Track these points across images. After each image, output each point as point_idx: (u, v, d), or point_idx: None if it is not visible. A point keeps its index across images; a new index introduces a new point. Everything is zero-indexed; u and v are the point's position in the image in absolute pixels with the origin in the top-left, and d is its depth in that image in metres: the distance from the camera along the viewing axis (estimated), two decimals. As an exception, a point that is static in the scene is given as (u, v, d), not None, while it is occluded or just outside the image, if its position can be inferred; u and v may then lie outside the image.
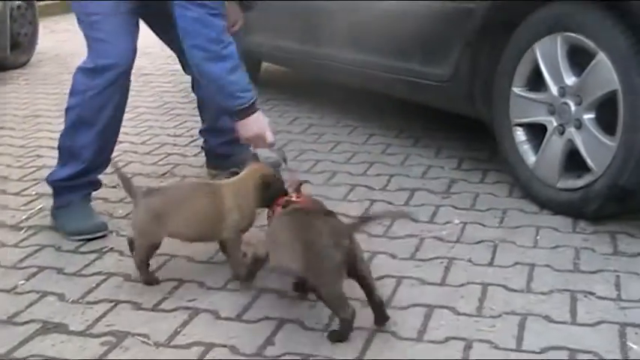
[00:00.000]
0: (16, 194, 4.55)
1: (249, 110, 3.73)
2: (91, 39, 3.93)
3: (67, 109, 4.00)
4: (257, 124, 3.77)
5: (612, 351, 2.77)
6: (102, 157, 4.04)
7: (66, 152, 4.06)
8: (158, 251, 3.55)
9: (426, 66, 4.70)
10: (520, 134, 4.15)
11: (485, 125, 4.45)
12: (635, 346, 2.79)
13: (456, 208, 4.00)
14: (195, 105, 6.20)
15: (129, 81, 4.00)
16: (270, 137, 3.79)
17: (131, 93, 4.04)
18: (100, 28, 3.88)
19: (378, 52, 5.11)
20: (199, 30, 3.64)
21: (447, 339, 2.84)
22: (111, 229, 3.94)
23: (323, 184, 4.41)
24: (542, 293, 3.15)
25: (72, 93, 3.97)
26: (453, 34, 4.44)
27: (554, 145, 3.93)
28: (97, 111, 3.93)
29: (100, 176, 4.20)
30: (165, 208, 3.30)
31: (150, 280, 3.36)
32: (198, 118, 5.78)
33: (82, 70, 3.95)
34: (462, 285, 3.21)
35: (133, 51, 3.94)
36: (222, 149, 4.71)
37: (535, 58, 4.01)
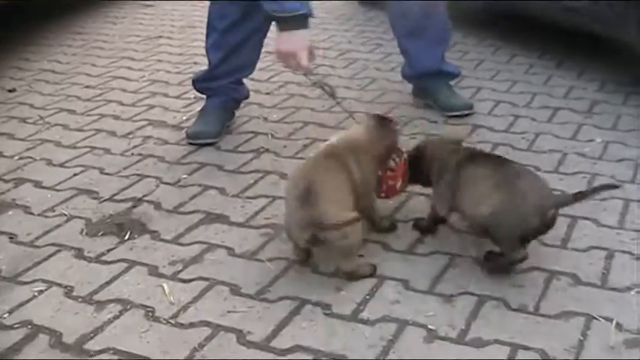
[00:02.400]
0: (177, 97, 4.86)
1: (291, 23, 3.50)
2: None
3: None
4: (295, 42, 3.51)
5: None
6: (228, 65, 4.16)
7: (206, 54, 4.27)
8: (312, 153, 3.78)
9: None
10: (666, 57, 4.18)
11: (628, 49, 4.49)
12: None
13: (598, 127, 4.07)
14: (342, 21, 6.40)
15: None
16: (303, 60, 3.51)
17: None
18: None
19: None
20: None
21: (589, 248, 2.98)
22: (266, 132, 4.22)
23: (468, 99, 4.51)
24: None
25: None
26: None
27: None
28: (216, 17, 4.09)
29: (252, 86, 4.43)
30: None
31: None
32: (346, 34, 6.02)
33: None
34: (605, 199, 3.31)
35: None
36: (412, 80, 4.58)
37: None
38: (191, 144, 4.08)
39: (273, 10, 3.52)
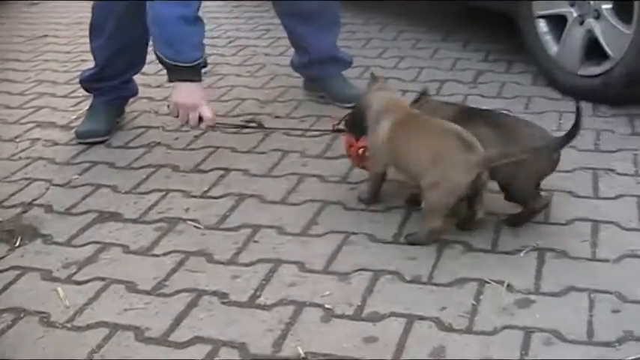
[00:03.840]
0: (65, 96, 4.79)
1: (189, 73, 3.41)
2: None
3: None
4: (195, 93, 3.45)
5: (632, 220, 2.98)
6: (117, 66, 4.07)
7: (92, 54, 4.17)
8: (204, 144, 3.79)
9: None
10: (542, 25, 4.30)
11: (509, 19, 4.58)
12: (654, 216, 2.99)
13: (484, 96, 4.18)
14: (230, 8, 6.38)
15: None
16: (207, 112, 3.44)
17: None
18: None
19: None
20: None
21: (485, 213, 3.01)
22: (157, 125, 4.20)
23: (357, 78, 4.56)
24: (567, 171, 3.34)
25: None
26: None
27: (575, 35, 4.10)
28: (103, 18, 3.97)
29: (142, 80, 4.40)
30: None
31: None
32: (234, 21, 6.02)
33: None
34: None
35: None
36: (304, 71, 4.48)
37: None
38: (81, 143, 4.02)
39: (171, 58, 3.41)
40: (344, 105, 4.18)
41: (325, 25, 4.23)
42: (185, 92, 3.44)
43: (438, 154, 2.81)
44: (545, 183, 3.03)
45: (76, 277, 2.87)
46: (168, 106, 3.58)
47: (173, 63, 3.41)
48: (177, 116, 3.51)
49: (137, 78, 4.33)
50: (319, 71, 4.29)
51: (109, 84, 4.14)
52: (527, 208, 3.00)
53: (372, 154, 3.12)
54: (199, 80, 3.47)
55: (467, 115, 3.05)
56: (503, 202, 3.10)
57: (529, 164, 2.86)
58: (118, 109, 4.25)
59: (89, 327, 2.58)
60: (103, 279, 2.84)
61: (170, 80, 3.49)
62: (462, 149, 2.77)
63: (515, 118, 3.11)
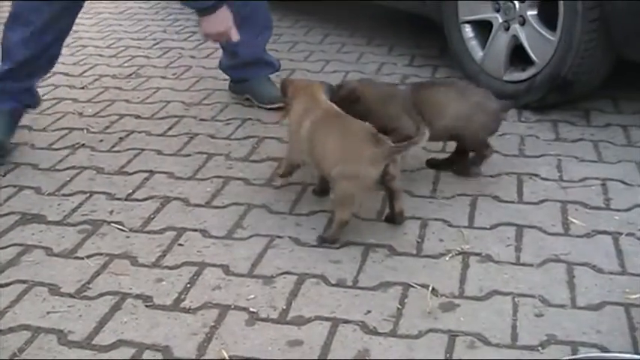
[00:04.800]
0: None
1: (213, 7, 3.56)
2: None
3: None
4: (222, 22, 3.62)
5: (555, 225, 3.02)
6: (35, 64, 3.84)
7: (3, 48, 3.86)
8: (129, 146, 3.76)
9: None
10: (468, 31, 4.33)
11: (435, 23, 4.61)
12: (575, 221, 3.04)
13: (410, 100, 4.18)
14: (157, 10, 6.33)
15: None
16: (235, 36, 3.68)
17: None
18: None
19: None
20: None
21: (405, 219, 3.05)
22: (81, 127, 4.13)
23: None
24: (492, 176, 3.39)
25: None
26: None
27: (500, 41, 4.14)
28: (31, 10, 3.70)
29: (66, 81, 4.32)
30: None
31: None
32: (160, 23, 5.97)
33: None
34: (417, 170, 3.44)
35: None
36: (232, 72, 4.47)
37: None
38: None
39: (197, 3, 3.60)
40: (269, 106, 4.20)
41: (258, 28, 4.26)
42: (211, 23, 3.63)
43: (348, 148, 2.90)
44: (471, 188, 3.05)
45: (-3, 280, 2.83)
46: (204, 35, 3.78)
47: (204, 6, 3.58)
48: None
49: (62, 79, 4.28)
50: (247, 73, 4.30)
51: (23, 86, 3.88)
52: (479, 154, 3.35)
53: (292, 145, 3.20)
54: (221, 6, 3.60)
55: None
56: (429, 206, 3.15)
57: (479, 121, 3.28)
58: (17, 121, 3.97)
59: (11, 330, 2.54)
60: (24, 282, 2.80)
61: (203, 15, 3.61)
62: (369, 143, 2.86)
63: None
